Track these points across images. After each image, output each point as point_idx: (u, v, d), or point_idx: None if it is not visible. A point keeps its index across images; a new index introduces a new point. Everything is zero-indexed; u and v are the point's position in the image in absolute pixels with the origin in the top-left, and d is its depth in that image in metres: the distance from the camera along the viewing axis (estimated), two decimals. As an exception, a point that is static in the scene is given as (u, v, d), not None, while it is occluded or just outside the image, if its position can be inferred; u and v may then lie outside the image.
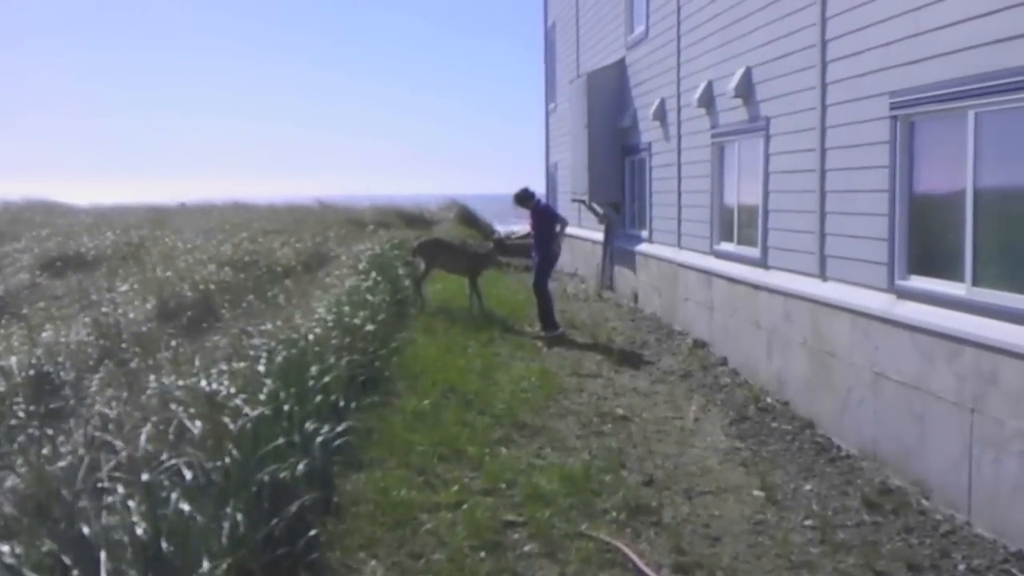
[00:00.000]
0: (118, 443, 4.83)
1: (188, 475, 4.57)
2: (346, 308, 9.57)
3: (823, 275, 7.73)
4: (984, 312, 5.49)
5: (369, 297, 10.76)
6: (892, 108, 6.48)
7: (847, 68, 7.23)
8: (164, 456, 4.71)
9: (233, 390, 5.76)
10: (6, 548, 3.72)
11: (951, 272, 5.93)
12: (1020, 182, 5.41)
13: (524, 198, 12.50)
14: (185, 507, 4.19)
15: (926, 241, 6.36)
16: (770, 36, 8.84)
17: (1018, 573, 4.83)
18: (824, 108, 7.64)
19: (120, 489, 4.27)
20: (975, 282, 5.64)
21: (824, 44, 7.62)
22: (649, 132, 13.86)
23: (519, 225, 12.88)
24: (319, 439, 5.61)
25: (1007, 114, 5.35)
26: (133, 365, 7.12)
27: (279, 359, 6.78)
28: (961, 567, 4.94)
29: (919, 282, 6.32)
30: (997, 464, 5.23)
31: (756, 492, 6.10)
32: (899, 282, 6.49)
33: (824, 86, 7.64)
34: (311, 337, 7.76)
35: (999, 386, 5.21)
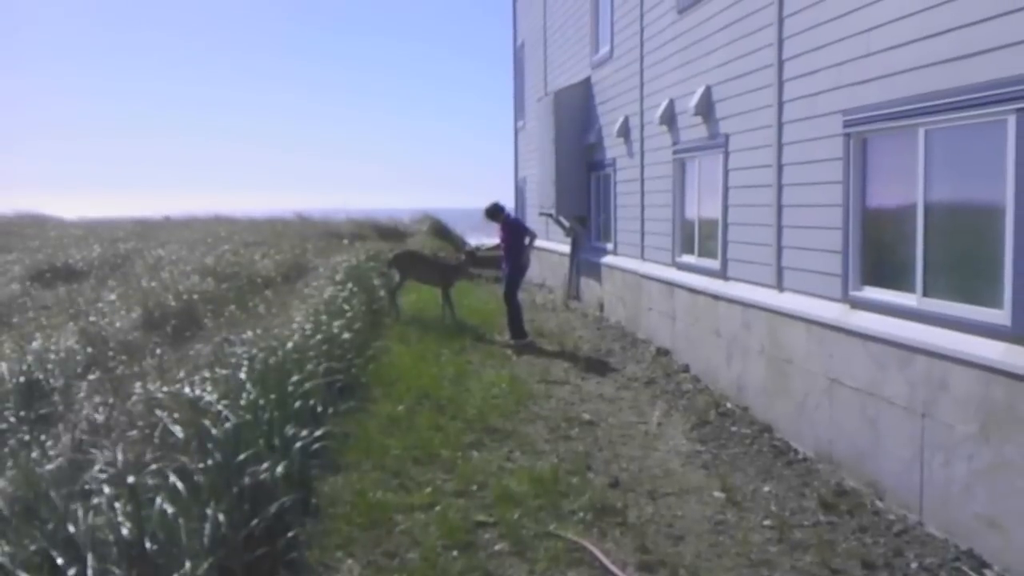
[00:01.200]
0: (105, 447, 4.92)
1: (172, 478, 4.65)
2: (324, 317, 9.68)
3: (780, 286, 7.89)
4: (934, 321, 5.62)
5: (346, 307, 10.86)
6: (845, 126, 6.63)
7: (802, 87, 7.38)
8: (149, 459, 4.81)
9: (216, 396, 5.84)
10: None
11: (903, 283, 6.06)
12: (969, 197, 5.53)
13: (494, 212, 12.72)
14: (169, 508, 4.27)
15: (879, 253, 6.48)
16: (729, 56, 9.01)
17: (968, 570, 4.94)
18: (781, 125, 7.80)
19: (106, 491, 4.35)
20: (926, 293, 5.77)
21: (781, 64, 7.77)
22: (614, 148, 14.04)
23: (489, 238, 13.06)
24: (298, 443, 5.72)
25: (956, 131, 5.49)
26: (119, 372, 7.17)
27: (260, 366, 6.86)
28: (914, 565, 5.06)
29: (872, 293, 6.45)
30: (947, 467, 5.37)
31: (717, 493, 6.23)
32: (853, 293, 6.63)
33: (781, 104, 7.79)
34: (290, 345, 7.84)
35: (949, 392, 5.36)
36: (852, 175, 6.64)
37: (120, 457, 4.74)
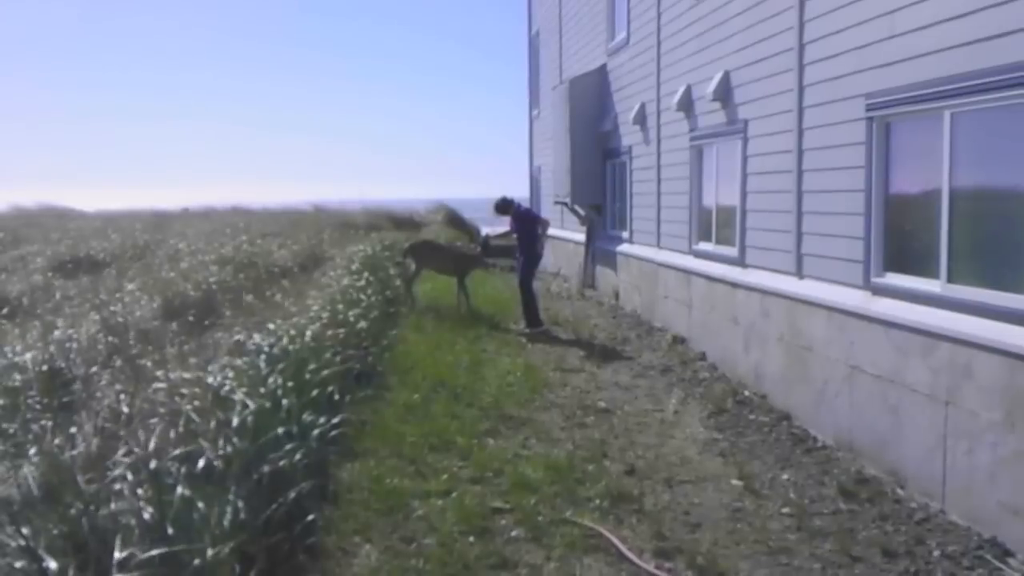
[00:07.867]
0: (126, 434, 4.95)
1: (192, 464, 4.67)
2: (340, 306, 9.70)
3: (800, 273, 7.83)
4: (959, 308, 5.56)
5: (362, 296, 10.90)
6: (868, 109, 6.56)
7: (824, 71, 7.31)
8: (170, 446, 4.84)
9: (235, 384, 5.87)
10: (24, 530, 3.84)
11: (926, 269, 6.01)
12: (995, 181, 5.46)
13: (504, 207, 12.77)
14: (189, 494, 4.30)
15: (901, 239, 6.43)
16: (748, 40, 8.94)
17: (991, 559, 4.91)
18: (801, 110, 7.73)
19: (129, 476, 4.38)
20: (950, 279, 5.71)
21: (801, 47, 7.70)
22: (629, 136, 14.00)
23: (503, 226, 13.20)
24: (316, 430, 5.74)
25: (983, 114, 5.41)
26: (140, 361, 7.21)
27: (278, 355, 6.88)
28: (936, 553, 5.03)
29: (894, 279, 6.41)
30: (971, 454, 5.32)
31: (734, 481, 6.21)
32: (875, 279, 6.59)
33: (801, 88, 7.72)
34: (308, 334, 7.86)
35: (973, 379, 5.30)
36: (875, 160, 6.58)
37: (141, 443, 4.76)
